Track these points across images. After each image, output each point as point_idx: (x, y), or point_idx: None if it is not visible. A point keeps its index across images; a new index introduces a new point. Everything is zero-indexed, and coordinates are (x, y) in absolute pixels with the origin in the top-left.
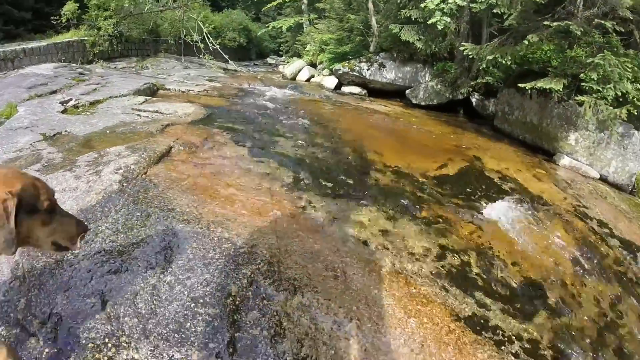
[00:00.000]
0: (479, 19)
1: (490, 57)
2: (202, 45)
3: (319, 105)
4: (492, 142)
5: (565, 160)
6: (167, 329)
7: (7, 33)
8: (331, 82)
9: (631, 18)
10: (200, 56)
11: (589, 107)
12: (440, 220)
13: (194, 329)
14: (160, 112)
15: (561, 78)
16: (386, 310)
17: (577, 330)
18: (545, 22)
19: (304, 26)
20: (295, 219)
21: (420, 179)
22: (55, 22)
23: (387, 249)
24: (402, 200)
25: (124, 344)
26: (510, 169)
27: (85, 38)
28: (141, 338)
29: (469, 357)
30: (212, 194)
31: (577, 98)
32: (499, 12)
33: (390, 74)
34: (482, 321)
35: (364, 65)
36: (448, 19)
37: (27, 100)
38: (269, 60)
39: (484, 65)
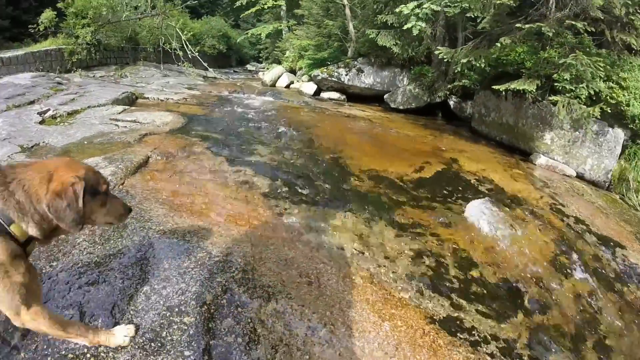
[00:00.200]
0: (454, 23)
1: (464, 61)
2: (181, 53)
3: (297, 111)
4: (470, 144)
5: (541, 160)
6: (144, 338)
7: None
8: (310, 88)
9: (602, 18)
10: (180, 64)
11: (563, 107)
12: (417, 224)
13: (169, 338)
14: (139, 122)
15: (535, 79)
16: (360, 314)
17: (555, 328)
18: (518, 25)
19: (283, 32)
20: (270, 226)
21: (397, 183)
22: (33, 31)
23: (363, 253)
24: (379, 205)
25: (102, 355)
26: (487, 170)
27: (63, 46)
28: (118, 348)
29: (444, 359)
30: (189, 203)
31: (550, 98)
32: (473, 16)
33: (368, 79)
34: (457, 323)
35: (342, 71)
36: (423, 24)
37: (4, 111)
38: (249, 67)
39: (459, 69)
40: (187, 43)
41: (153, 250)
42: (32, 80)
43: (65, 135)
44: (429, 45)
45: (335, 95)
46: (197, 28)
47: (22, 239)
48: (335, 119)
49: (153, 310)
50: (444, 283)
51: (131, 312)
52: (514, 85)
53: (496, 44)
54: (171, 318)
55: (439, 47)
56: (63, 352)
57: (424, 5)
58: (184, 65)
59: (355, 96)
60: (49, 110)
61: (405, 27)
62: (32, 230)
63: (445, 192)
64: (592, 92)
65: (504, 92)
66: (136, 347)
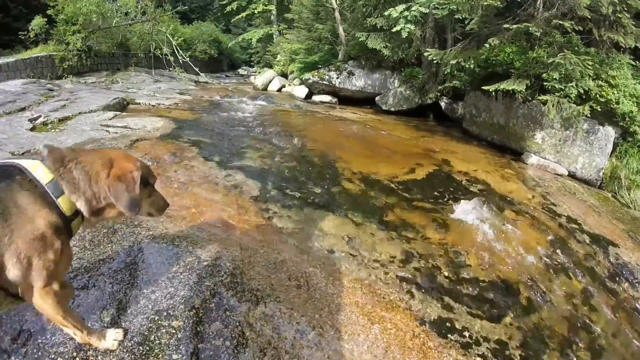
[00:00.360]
0: (443, 25)
1: (454, 62)
2: (172, 59)
3: (289, 115)
4: (461, 145)
5: (533, 159)
6: (132, 341)
7: None
8: (302, 91)
9: (589, 17)
10: (171, 69)
11: (553, 106)
12: (408, 225)
13: (158, 342)
14: (130, 128)
15: (524, 79)
16: (349, 317)
17: (548, 329)
18: (506, 25)
19: (274, 37)
20: (260, 230)
21: (388, 185)
22: (23, 38)
23: (353, 256)
24: (369, 207)
25: (92, 358)
26: (478, 170)
27: (54, 53)
28: (108, 351)
29: None
30: (179, 208)
31: (540, 97)
32: (461, 18)
33: (359, 82)
34: (448, 324)
35: (333, 74)
36: (412, 27)
37: None
38: (240, 71)
39: (449, 70)
40: (178, 48)
41: (142, 255)
42: (23, 87)
43: (56, 142)
44: (419, 47)
45: (326, 98)
46: (188, 33)
47: (68, 213)
48: (327, 122)
49: (142, 315)
50: (435, 284)
51: (120, 316)
52: (504, 85)
53: (485, 44)
54: (160, 322)
55: (428, 49)
56: (53, 356)
57: (413, 8)
58: (176, 71)
59: (346, 99)
60: (39, 116)
61: (394, 30)
62: (81, 205)
63: (436, 193)
64: (582, 91)
65: (494, 93)
66: (125, 350)
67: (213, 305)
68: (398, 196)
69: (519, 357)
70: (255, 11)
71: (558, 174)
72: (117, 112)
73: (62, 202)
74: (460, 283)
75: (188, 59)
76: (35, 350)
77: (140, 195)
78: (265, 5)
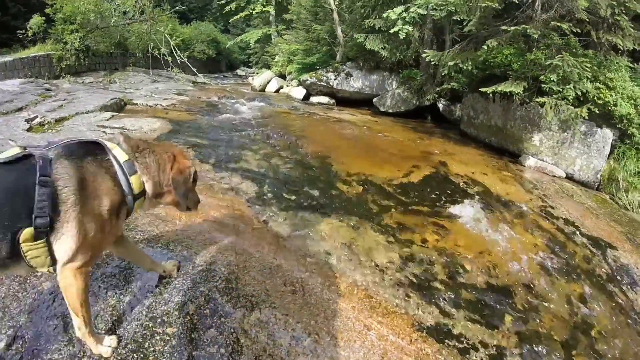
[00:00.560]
0: (442, 26)
1: (451, 63)
2: (170, 59)
3: (286, 116)
4: (459, 147)
5: (530, 161)
6: (127, 349)
7: None
8: (300, 92)
9: (587, 19)
10: (169, 69)
11: (550, 108)
12: (405, 229)
13: (152, 349)
14: (126, 129)
15: (522, 81)
16: (345, 323)
17: (547, 333)
18: (504, 27)
19: (272, 37)
20: (256, 234)
21: (385, 188)
22: (21, 36)
23: (350, 260)
24: (367, 210)
25: None
26: (476, 172)
27: (52, 52)
28: (101, 358)
29: None
30: (174, 212)
31: (538, 100)
32: (459, 19)
33: (357, 83)
34: (445, 330)
35: (331, 75)
36: (410, 28)
37: None
38: (238, 71)
39: (447, 72)
40: (176, 48)
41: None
42: (21, 86)
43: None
44: (417, 49)
45: (324, 99)
46: (186, 33)
47: (137, 190)
48: (325, 124)
49: (136, 321)
50: (432, 289)
51: (114, 322)
52: (501, 87)
53: (483, 46)
54: (154, 329)
55: (425, 50)
56: None
57: (411, 10)
58: (173, 71)
59: (344, 100)
60: (36, 117)
61: (392, 31)
62: (148, 186)
63: (433, 196)
64: (580, 93)
65: (491, 95)
66: (119, 358)
67: (208, 312)
68: (395, 199)
69: None
70: (254, 12)
71: (556, 176)
72: (115, 113)
73: (134, 180)
74: (457, 287)
75: (186, 59)
76: (30, 357)
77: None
78: (264, 6)
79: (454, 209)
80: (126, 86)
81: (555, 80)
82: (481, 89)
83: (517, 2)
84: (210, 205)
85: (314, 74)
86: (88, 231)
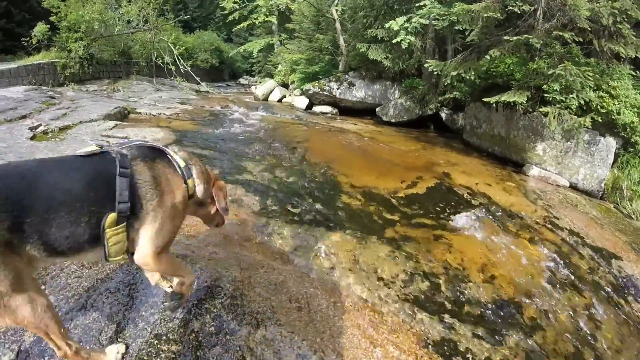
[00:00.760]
0: (444, 36)
1: (454, 73)
2: (173, 67)
3: (289, 126)
4: (462, 157)
5: (534, 171)
6: None
7: None
8: (302, 102)
9: (589, 28)
10: (172, 78)
11: (554, 118)
12: (409, 242)
13: None
14: (130, 138)
15: (525, 90)
16: (351, 340)
17: (552, 347)
18: (506, 37)
19: (275, 46)
20: (260, 248)
21: (389, 200)
22: (26, 44)
23: (355, 275)
24: (371, 223)
25: None
26: (480, 183)
27: (56, 60)
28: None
29: None
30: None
31: (541, 109)
32: (462, 29)
33: (360, 93)
34: (451, 345)
35: (333, 85)
36: (412, 38)
37: None
38: (241, 80)
39: (449, 81)
40: (179, 58)
41: (141, 274)
42: (25, 94)
43: (55, 152)
44: (419, 58)
45: (327, 109)
46: (189, 42)
47: (190, 192)
48: (328, 134)
49: (140, 338)
50: (437, 304)
51: (119, 339)
52: (505, 97)
53: (485, 56)
54: (159, 346)
55: (428, 60)
56: None
57: (413, 20)
58: (177, 80)
59: (347, 110)
60: (40, 125)
61: (394, 41)
62: (199, 191)
63: (437, 208)
64: (583, 102)
65: (494, 104)
66: None
67: (213, 329)
68: (399, 212)
69: None
70: (257, 21)
71: (559, 186)
72: (118, 122)
73: (190, 183)
74: (462, 302)
75: (189, 68)
76: None
77: None
78: (267, 16)
79: (458, 221)
80: (130, 95)
81: (558, 90)
82: (484, 99)
83: (518, 11)
84: None
85: (316, 84)
86: (164, 220)
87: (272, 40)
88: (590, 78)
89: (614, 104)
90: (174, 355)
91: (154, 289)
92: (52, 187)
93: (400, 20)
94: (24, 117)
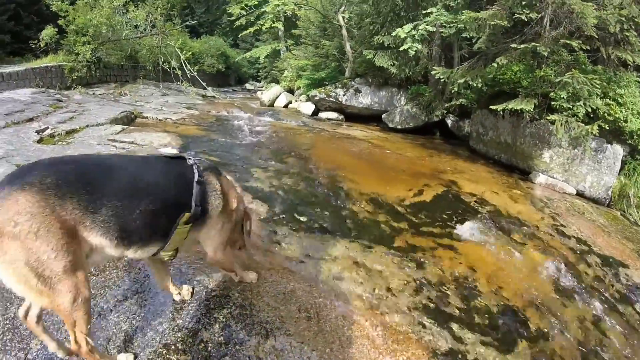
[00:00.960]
0: (450, 43)
1: (461, 81)
2: (180, 72)
3: (295, 132)
4: (468, 164)
5: (541, 178)
6: None
7: None
8: (308, 108)
9: (597, 36)
10: (179, 83)
11: (561, 125)
12: (417, 250)
13: None
14: (136, 143)
15: (532, 98)
16: (361, 351)
17: (560, 356)
18: (513, 45)
19: (281, 52)
20: (268, 256)
21: (396, 208)
22: (34, 46)
23: (363, 284)
24: (378, 232)
25: None
26: (486, 191)
27: (64, 63)
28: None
29: None
30: None
31: (548, 117)
32: (468, 36)
33: (366, 99)
34: (460, 355)
35: (340, 91)
36: (419, 46)
37: (3, 128)
38: (247, 85)
39: (456, 89)
40: (186, 63)
41: (148, 282)
42: (32, 96)
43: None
44: (425, 65)
45: (333, 115)
46: (196, 47)
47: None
48: (334, 140)
49: (149, 348)
50: (446, 313)
51: (127, 348)
52: (512, 105)
53: (492, 64)
54: (168, 356)
55: (435, 67)
56: None
57: (420, 27)
58: (183, 84)
59: (353, 116)
60: (47, 128)
61: (402, 49)
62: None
63: (444, 216)
64: (590, 110)
65: (501, 111)
66: None
67: (222, 339)
68: (407, 220)
69: None
70: (263, 27)
71: (566, 193)
72: (125, 126)
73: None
74: (471, 311)
75: (196, 73)
76: None
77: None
78: (273, 22)
79: (465, 230)
80: (136, 99)
81: (565, 97)
82: (491, 107)
83: (525, 19)
84: None
85: (322, 90)
86: (225, 223)
87: (278, 46)
88: (597, 86)
89: (621, 111)
90: None
91: (161, 298)
92: (140, 178)
93: (407, 27)
94: (31, 119)
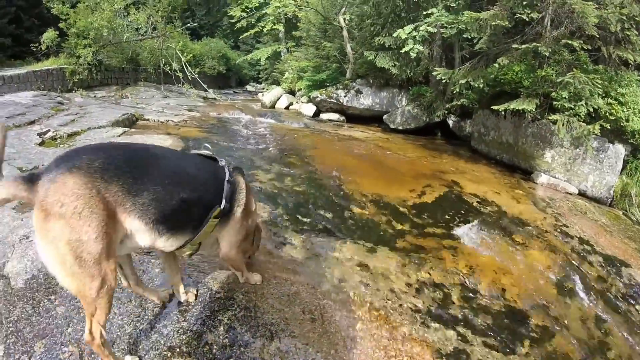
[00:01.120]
0: (451, 44)
1: (462, 81)
2: (181, 74)
3: (297, 133)
4: (470, 164)
5: (543, 178)
6: None
7: None
8: (310, 109)
9: (598, 36)
10: (180, 85)
11: (563, 125)
12: (421, 251)
13: None
14: None
15: (533, 98)
16: (365, 352)
17: (564, 356)
18: (515, 45)
19: (282, 54)
20: (272, 258)
21: (399, 209)
22: (35, 49)
23: (367, 285)
24: (381, 233)
25: None
26: (488, 192)
27: (65, 66)
28: None
29: None
30: None
31: (550, 117)
32: (469, 37)
33: (367, 100)
34: (464, 356)
35: (341, 92)
36: (420, 47)
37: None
38: (248, 87)
39: (457, 89)
40: (187, 65)
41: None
42: (33, 99)
43: None
44: (426, 66)
45: (334, 116)
46: (197, 49)
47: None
48: (335, 142)
49: (154, 350)
50: (450, 314)
51: (131, 352)
52: (514, 105)
53: (494, 64)
54: (173, 359)
55: (436, 68)
56: None
57: (421, 28)
58: (184, 87)
59: (354, 117)
60: (49, 131)
61: (403, 51)
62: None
63: (447, 217)
64: (591, 109)
65: (502, 111)
66: None
67: (227, 341)
68: (409, 221)
69: None
70: (264, 29)
71: (568, 193)
72: (126, 128)
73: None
74: (474, 311)
75: (197, 75)
76: None
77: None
78: (274, 24)
79: (468, 231)
80: (138, 101)
81: (566, 97)
82: (493, 107)
83: (527, 19)
84: None
85: (323, 91)
86: (246, 218)
87: (279, 47)
88: (598, 85)
89: (622, 110)
90: None
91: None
92: (181, 168)
93: (408, 28)
94: (32, 122)
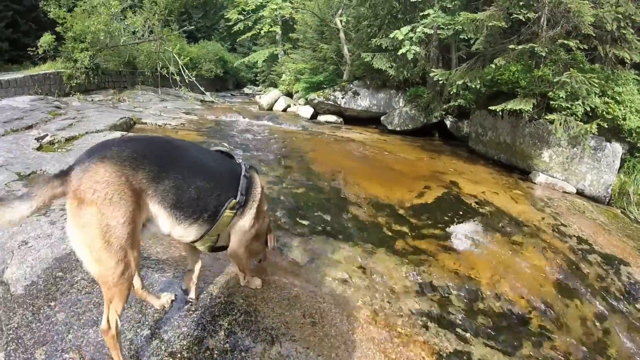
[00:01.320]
0: (448, 44)
1: (460, 82)
2: (178, 78)
3: (295, 136)
4: (468, 165)
5: (541, 178)
6: None
7: None
8: (307, 111)
9: (594, 35)
10: (177, 88)
11: (560, 125)
12: (420, 253)
13: None
14: None
15: (530, 98)
16: (366, 355)
17: (564, 355)
18: (511, 46)
19: (279, 56)
20: (272, 262)
21: (398, 210)
22: (32, 54)
23: (367, 288)
24: (380, 235)
25: None
26: (487, 192)
27: (62, 70)
28: None
29: None
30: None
31: (547, 117)
32: (466, 37)
33: (364, 102)
34: (464, 358)
35: (338, 94)
36: (417, 48)
37: (2, 135)
38: (245, 90)
39: (454, 90)
40: (184, 68)
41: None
42: (31, 103)
43: (62, 163)
44: (423, 67)
45: (332, 118)
46: (194, 52)
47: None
48: (333, 144)
49: (155, 356)
50: (449, 315)
51: (132, 357)
52: (511, 105)
53: (491, 64)
54: None
55: (433, 69)
56: None
57: (417, 29)
58: (181, 90)
59: (352, 119)
60: (46, 135)
61: (400, 52)
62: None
63: (446, 218)
64: (588, 108)
65: (500, 112)
66: None
67: (228, 346)
68: (408, 222)
69: None
70: (261, 31)
71: (566, 192)
72: (124, 132)
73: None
74: (474, 312)
75: (194, 78)
76: None
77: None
78: (271, 26)
79: (467, 231)
80: (135, 105)
81: (563, 97)
82: (490, 107)
83: (523, 19)
84: None
85: (321, 93)
86: (259, 216)
87: (276, 50)
88: (595, 84)
89: (619, 109)
90: None
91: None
92: (200, 160)
93: (405, 29)
94: (30, 127)
